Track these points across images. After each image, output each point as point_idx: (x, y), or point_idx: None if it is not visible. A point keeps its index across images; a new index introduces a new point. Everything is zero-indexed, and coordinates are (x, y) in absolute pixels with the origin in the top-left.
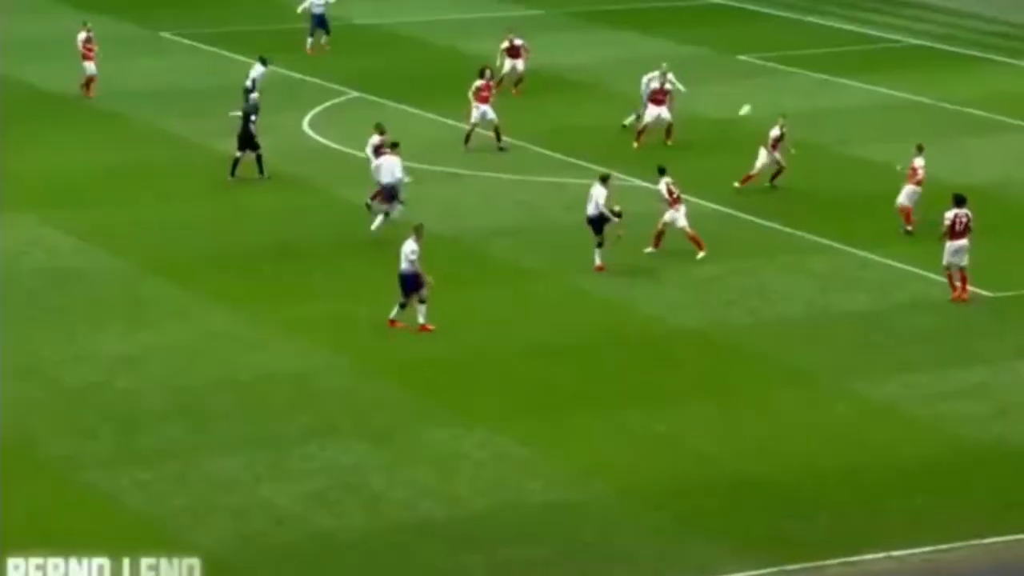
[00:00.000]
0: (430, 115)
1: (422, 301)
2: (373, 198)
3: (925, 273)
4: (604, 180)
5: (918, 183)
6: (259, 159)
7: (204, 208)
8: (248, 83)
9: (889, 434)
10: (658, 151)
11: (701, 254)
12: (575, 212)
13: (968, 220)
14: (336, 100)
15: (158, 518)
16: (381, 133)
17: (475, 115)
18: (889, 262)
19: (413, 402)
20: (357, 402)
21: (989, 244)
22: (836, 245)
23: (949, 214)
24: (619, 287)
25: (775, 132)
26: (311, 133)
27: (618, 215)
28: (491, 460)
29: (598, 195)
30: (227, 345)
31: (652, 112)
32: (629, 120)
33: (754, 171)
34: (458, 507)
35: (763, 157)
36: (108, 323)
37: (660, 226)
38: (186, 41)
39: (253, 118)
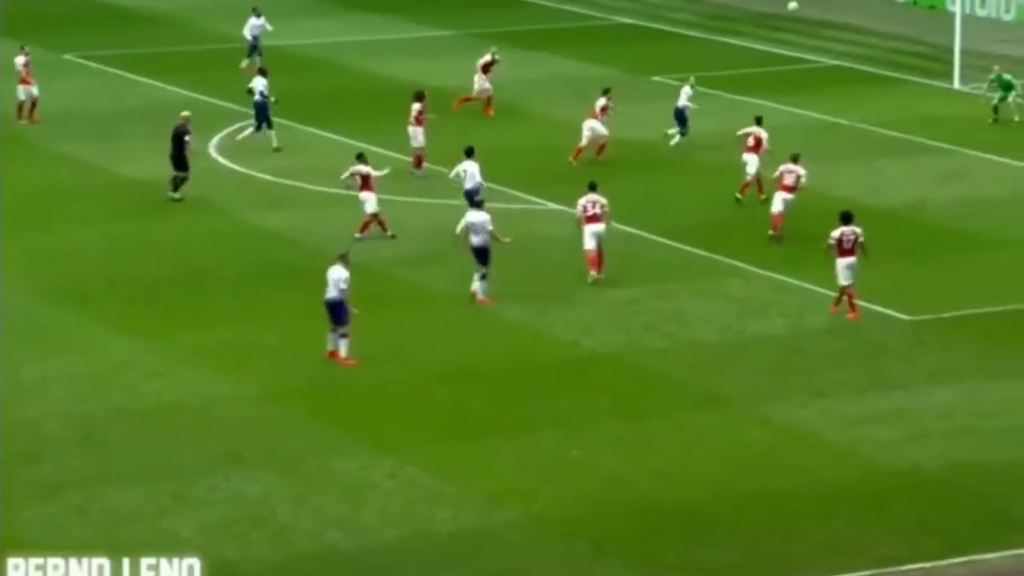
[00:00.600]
0: (341, 138)
1: (344, 335)
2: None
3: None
4: (480, 206)
5: (789, 190)
6: (183, 181)
7: (107, 233)
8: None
9: (805, 459)
10: (583, 172)
11: (595, 275)
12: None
13: (856, 237)
14: (243, 123)
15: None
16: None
17: (420, 139)
18: (806, 285)
19: (321, 431)
20: (263, 431)
21: (905, 267)
22: (753, 269)
23: (836, 232)
24: (532, 311)
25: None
26: (217, 157)
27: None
28: (400, 489)
29: (483, 222)
30: (130, 373)
31: (592, 128)
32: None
33: (750, 177)
34: (367, 537)
35: (754, 163)
36: (8, 351)
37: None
38: (91, 64)
39: (187, 138)
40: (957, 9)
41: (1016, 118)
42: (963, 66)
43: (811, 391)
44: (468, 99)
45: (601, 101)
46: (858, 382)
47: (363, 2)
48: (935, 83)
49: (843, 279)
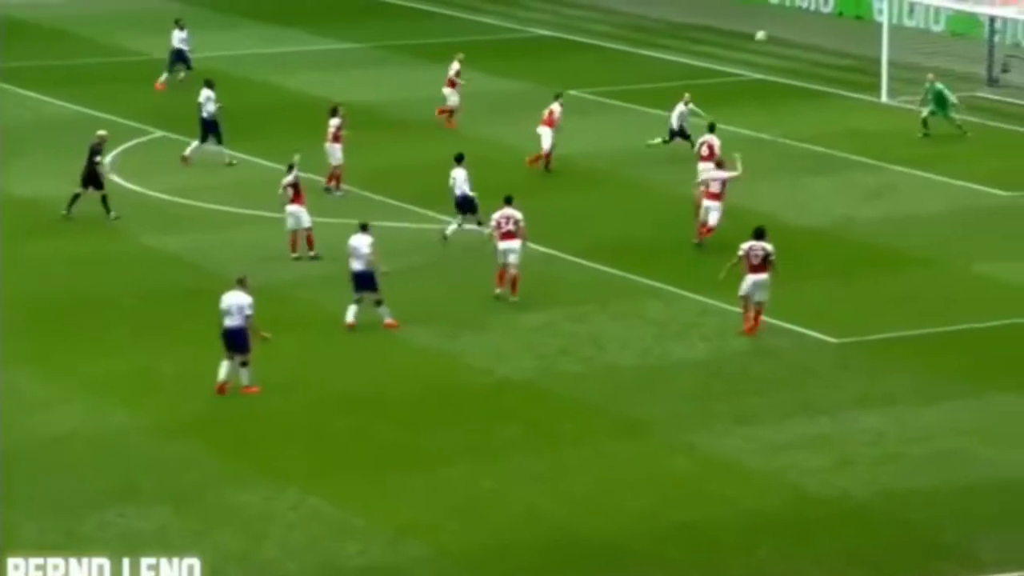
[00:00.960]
0: (240, 154)
1: (244, 364)
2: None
3: (765, 319)
4: (364, 228)
5: (715, 198)
6: (104, 199)
7: None
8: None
9: (729, 488)
10: (503, 187)
11: (501, 291)
12: (394, 258)
13: (766, 254)
14: (139, 140)
15: None
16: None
17: (337, 156)
18: (728, 307)
19: (220, 462)
20: (159, 463)
21: (831, 287)
22: (673, 289)
23: (744, 246)
24: (441, 336)
25: (715, 142)
26: (112, 176)
27: (385, 273)
28: (304, 522)
29: (363, 245)
30: (18, 404)
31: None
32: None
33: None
34: (268, 572)
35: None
36: None
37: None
38: None
39: (98, 158)
40: (885, 19)
41: (968, 134)
42: (891, 79)
43: (735, 417)
44: (444, 111)
45: (554, 107)
46: (783, 407)
47: (266, 14)
48: (862, 96)
49: (743, 291)
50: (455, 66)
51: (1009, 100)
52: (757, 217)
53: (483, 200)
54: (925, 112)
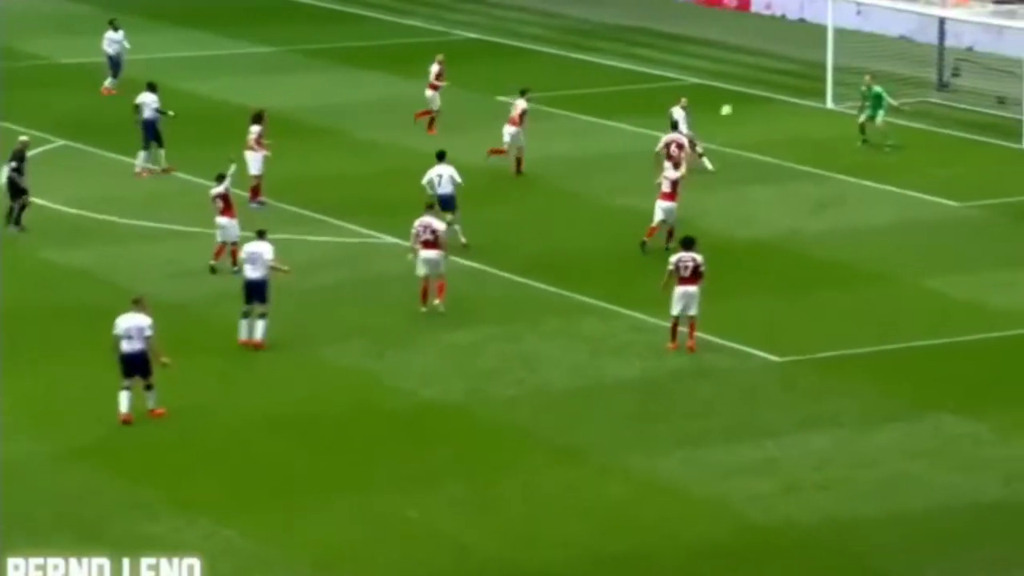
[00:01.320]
0: (151, 165)
1: (149, 387)
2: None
3: (706, 337)
4: (262, 235)
5: (668, 198)
6: (21, 209)
7: None
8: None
9: (668, 515)
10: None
11: (430, 306)
12: (314, 273)
13: (696, 265)
14: (41, 149)
15: None
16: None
17: (256, 165)
18: (665, 324)
19: (126, 491)
20: (61, 493)
21: (775, 303)
22: (608, 306)
23: (674, 258)
24: (364, 356)
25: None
26: None
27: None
28: (218, 555)
29: (262, 252)
30: None
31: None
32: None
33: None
34: None
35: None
36: None
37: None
38: None
39: (14, 164)
40: (829, 22)
41: (890, 141)
42: (837, 84)
43: (674, 440)
44: (426, 113)
45: (520, 104)
46: (726, 430)
47: (181, 17)
48: (806, 102)
49: (676, 309)
50: (435, 68)
51: (960, 105)
52: (698, 231)
53: (409, 212)
54: (862, 117)
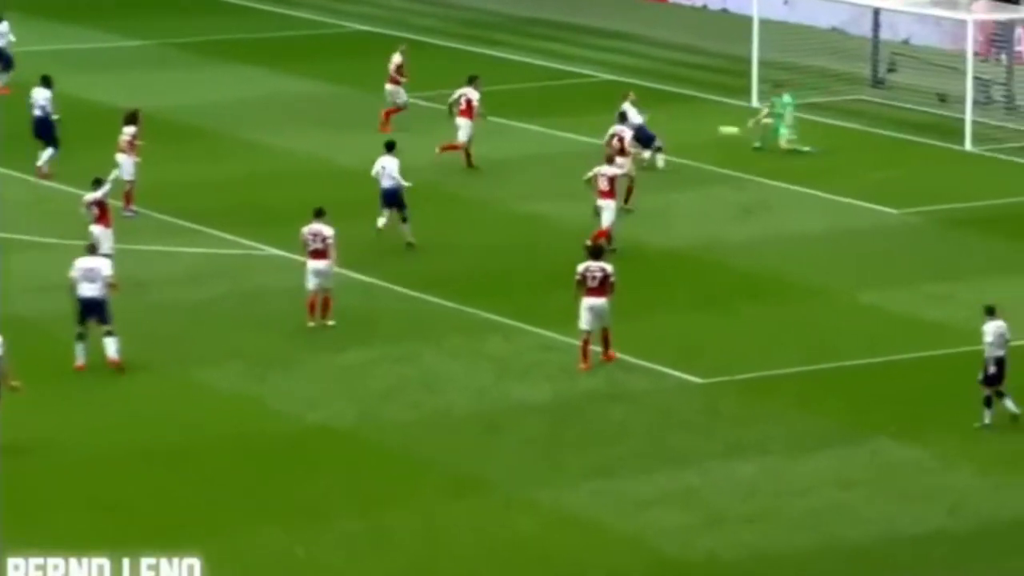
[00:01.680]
0: (3, 170)
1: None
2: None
3: (623, 356)
4: (91, 249)
5: (606, 195)
6: None
7: None
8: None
9: (580, 551)
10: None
11: (318, 322)
12: (189, 288)
13: (605, 275)
14: None
15: None
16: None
17: (129, 170)
18: (576, 343)
19: None
20: None
21: (696, 319)
22: (514, 323)
23: (581, 267)
24: (245, 378)
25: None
26: None
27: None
28: None
29: (99, 268)
30: None
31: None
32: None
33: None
34: None
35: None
36: None
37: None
38: None
39: None
40: (755, 13)
41: (806, 147)
42: (763, 80)
43: (586, 469)
44: (392, 111)
45: (469, 93)
46: (642, 457)
47: (38, 6)
48: (730, 101)
49: (584, 323)
50: (397, 59)
51: (896, 103)
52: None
53: (295, 220)
54: (759, 121)
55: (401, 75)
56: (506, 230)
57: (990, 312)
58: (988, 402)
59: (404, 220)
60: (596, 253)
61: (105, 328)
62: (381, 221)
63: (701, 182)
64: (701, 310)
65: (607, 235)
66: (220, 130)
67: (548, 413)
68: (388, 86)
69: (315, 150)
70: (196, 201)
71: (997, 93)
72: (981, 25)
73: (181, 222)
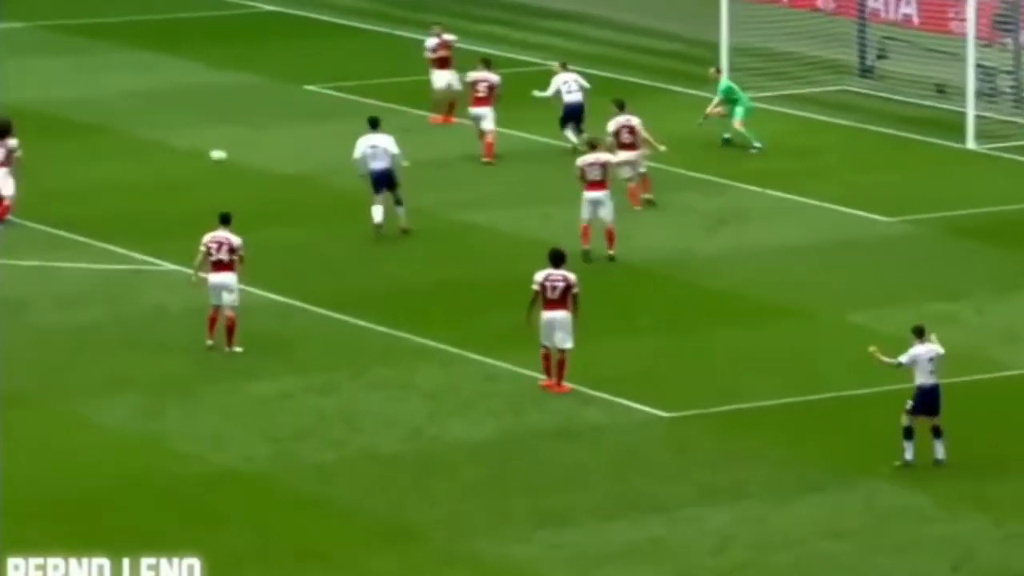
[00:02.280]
0: None
1: None
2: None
3: (578, 387)
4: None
5: (597, 187)
6: None
7: None
8: None
9: None
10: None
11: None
12: (71, 309)
13: (568, 285)
14: None
15: None
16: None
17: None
18: (523, 371)
19: None
20: None
21: (662, 344)
22: (451, 349)
23: (540, 275)
24: (140, 413)
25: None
26: None
27: None
28: None
29: None
30: None
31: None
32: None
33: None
34: None
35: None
36: None
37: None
38: None
39: None
40: None
41: (757, 143)
42: (736, 69)
43: (537, 518)
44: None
45: (486, 76)
46: (600, 504)
47: None
48: (697, 92)
49: (545, 338)
50: (436, 40)
51: (885, 95)
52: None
53: (194, 231)
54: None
55: (446, 61)
56: (442, 241)
57: (919, 334)
58: (909, 434)
59: (398, 203)
60: (558, 260)
61: None
62: (378, 213)
63: (667, 187)
64: (668, 334)
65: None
66: (110, 126)
67: (492, 453)
68: (437, 73)
69: (225, 150)
70: (81, 210)
71: (1003, 83)
72: (984, 6)
73: (64, 233)
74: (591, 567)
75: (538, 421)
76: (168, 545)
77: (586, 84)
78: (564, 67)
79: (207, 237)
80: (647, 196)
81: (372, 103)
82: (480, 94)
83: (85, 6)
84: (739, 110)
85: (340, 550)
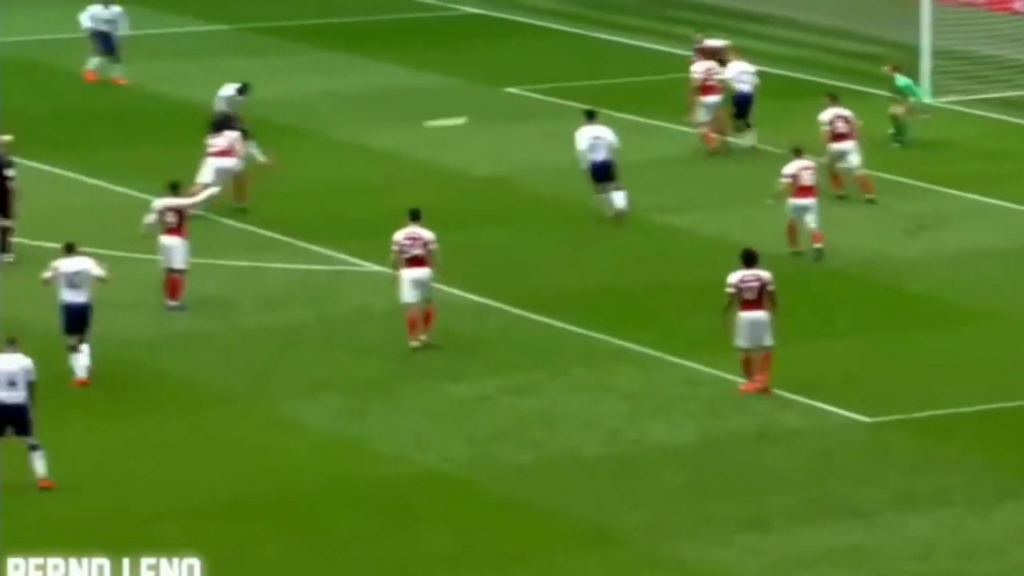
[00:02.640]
0: (68, 173)
1: (36, 447)
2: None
3: (776, 392)
4: (70, 249)
5: (806, 193)
6: (7, 232)
7: None
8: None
9: None
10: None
11: (420, 341)
12: (276, 310)
13: (762, 284)
14: None
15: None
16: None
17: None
18: (723, 375)
19: None
20: None
21: (862, 349)
22: (651, 352)
23: (734, 277)
24: (342, 414)
25: None
26: None
27: None
28: None
29: (90, 270)
30: None
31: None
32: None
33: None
34: None
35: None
36: None
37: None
38: None
39: (10, 173)
40: None
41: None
42: (937, 72)
43: (737, 521)
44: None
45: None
46: (801, 508)
47: None
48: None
49: (743, 340)
50: (717, 43)
51: None
52: (783, 262)
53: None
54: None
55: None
56: (641, 243)
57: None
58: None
59: (618, 189)
60: (750, 260)
61: (82, 338)
62: (610, 200)
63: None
64: (867, 338)
65: (819, 238)
66: (309, 128)
67: (691, 457)
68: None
69: (424, 152)
70: (285, 210)
71: None
72: None
73: (269, 233)
74: (791, 571)
75: (737, 425)
76: (368, 545)
77: (757, 80)
78: (738, 54)
79: (399, 235)
80: (870, 196)
81: (569, 104)
82: (840, 130)
83: (283, 9)
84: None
85: (540, 552)
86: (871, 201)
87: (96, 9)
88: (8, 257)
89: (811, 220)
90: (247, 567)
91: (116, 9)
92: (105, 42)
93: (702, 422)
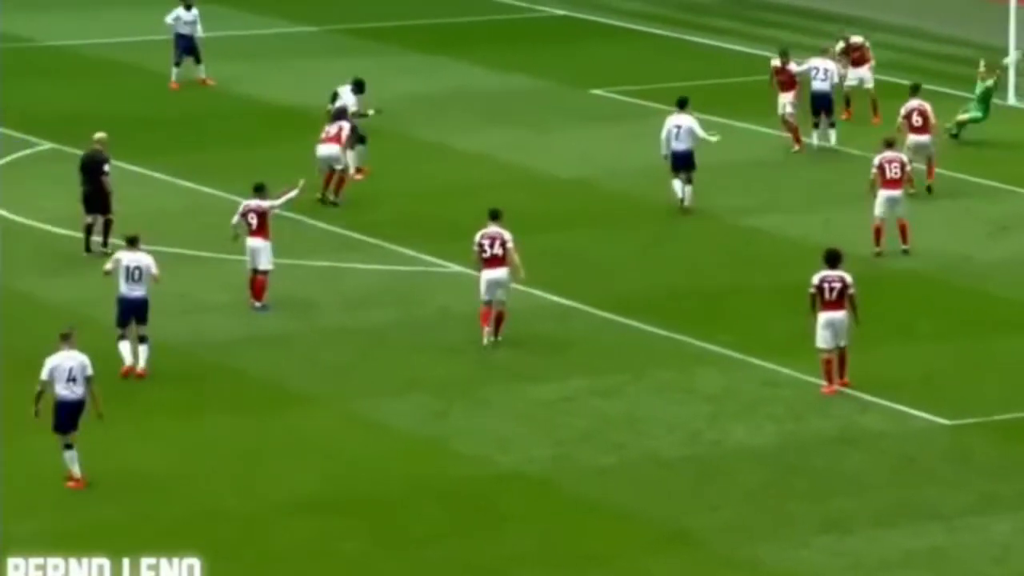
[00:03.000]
0: (159, 175)
1: (69, 446)
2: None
3: (857, 394)
4: (133, 243)
5: (894, 185)
6: (108, 226)
7: None
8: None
9: None
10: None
11: (491, 338)
12: (359, 310)
13: (844, 285)
14: (20, 154)
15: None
16: None
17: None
18: (806, 377)
19: None
20: None
21: (943, 351)
22: (732, 354)
23: (816, 278)
24: (425, 416)
25: None
26: None
27: None
28: None
29: (150, 266)
30: None
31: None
32: None
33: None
34: None
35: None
36: None
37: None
38: None
39: (107, 168)
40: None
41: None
42: (1019, 74)
43: (816, 523)
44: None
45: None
46: (881, 512)
47: None
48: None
49: (823, 341)
50: (840, 45)
51: None
52: (859, 261)
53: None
54: (966, 116)
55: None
56: (723, 245)
57: None
58: None
59: (689, 182)
60: (834, 260)
61: (141, 332)
62: (680, 191)
63: (946, 192)
64: (949, 340)
65: (905, 229)
66: (397, 130)
67: (772, 458)
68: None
69: (509, 154)
70: (369, 212)
71: None
72: None
73: (353, 234)
74: (870, 574)
75: (818, 427)
76: (448, 545)
77: (836, 79)
78: (824, 52)
79: (479, 235)
80: (928, 183)
81: (653, 106)
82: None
83: (373, 10)
84: (978, 109)
85: (621, 554)
86: (928, 189)
87: (179, 11)
88: (108, 251)
89: (901, 212)
90: (329, 565)
91: (196, 11)
92: (186, 44)
93: (783, 424)
